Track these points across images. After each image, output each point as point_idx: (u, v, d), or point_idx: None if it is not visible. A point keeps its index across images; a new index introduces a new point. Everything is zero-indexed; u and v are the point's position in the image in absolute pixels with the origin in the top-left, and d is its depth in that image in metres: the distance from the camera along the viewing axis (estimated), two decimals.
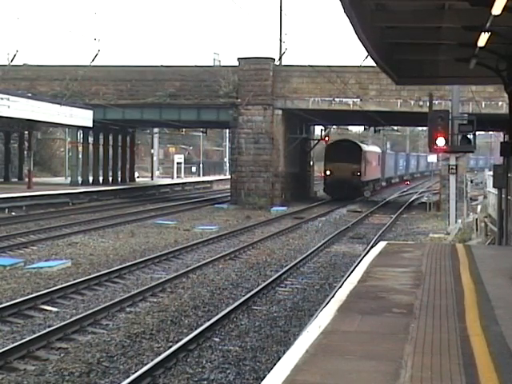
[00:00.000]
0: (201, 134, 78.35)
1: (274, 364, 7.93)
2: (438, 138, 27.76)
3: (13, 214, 35.65)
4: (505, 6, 11.74)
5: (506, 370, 7.18)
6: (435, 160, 59.29)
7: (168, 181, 69.86)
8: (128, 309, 15.71)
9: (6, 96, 38.85)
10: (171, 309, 15.69)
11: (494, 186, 24.27)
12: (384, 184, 74.58)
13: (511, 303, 10.61)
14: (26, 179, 48.06)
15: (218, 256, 23.18)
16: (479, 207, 32.44)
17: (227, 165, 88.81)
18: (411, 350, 7.83)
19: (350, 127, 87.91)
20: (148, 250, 24.63)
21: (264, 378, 7.24)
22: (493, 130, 77.05)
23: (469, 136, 29.73)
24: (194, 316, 15.16)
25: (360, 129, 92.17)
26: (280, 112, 47.20)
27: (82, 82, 47.04)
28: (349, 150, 54.79)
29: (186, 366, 11.67)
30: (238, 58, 47.63)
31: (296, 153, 52.38)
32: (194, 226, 33.23)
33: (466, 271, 13.51)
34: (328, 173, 54.77)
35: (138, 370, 11.02)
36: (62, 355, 12.05)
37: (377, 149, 69.84)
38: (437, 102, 38.82)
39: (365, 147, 59.23)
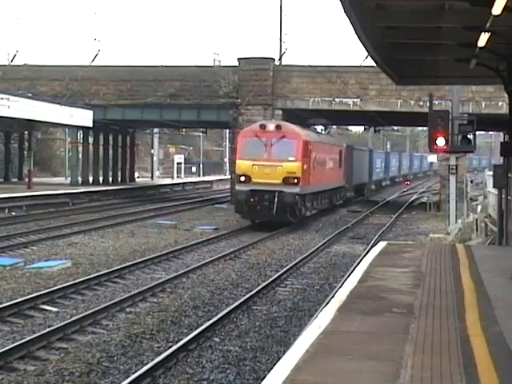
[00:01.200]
0: (201, 134, 78.34)
1: (274, 364, 7.93)
2: (438, 138, 27.76)
3: (13, 213, 35.63)
4: (505, 5, 11.74)
5: (506, 370, 7.18)
6: (435, 160, 57.79)
7: (168, 181, 69.84)
8: (128, 309, 15.71)
9: (6, 96, 38.83)
10: (171, 309, 15.69)
11: (494, 186, 24.28)
12: (351, 194, 51.49)
13: (511, 303, 10.62)
14: (26, 179, 48.04)
15: (218, 256, 23.18)
16: (479, 207, 32.45)
17: (227, 165, 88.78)
18: (411, 350, 7.83)
19: (350, 127, 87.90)
20: (148, 250, 24.62)
21: (264, 378, 7.24)
22: (493, 130, 77.12)
23: (469, 136, 29.73)
24: (194, 316, 15.16)
25: (360, 129, 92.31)
26: (280, 112, 47.16)
27: (81, 82, 47.04)
28: (280, 140, 32.60)
29: (186, 366, 11.67)
30: (238, 58, 47.62)
31: None
32: (194, 225, 33.22)
33: (466, 271, 13.51)
34: (242, 178, 32.39)
35: (138, 370, 11.02)
36: (62, 355, 12.05)
37: (337, 141, 46.63)
38: (437, 102, 38.79)
39: (311, 136, 36.19)
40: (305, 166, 33.11)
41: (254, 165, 32.32)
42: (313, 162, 34.87)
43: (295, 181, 32.24)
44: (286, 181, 32.07)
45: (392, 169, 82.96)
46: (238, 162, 33.47)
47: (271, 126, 32.96)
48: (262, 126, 32.96)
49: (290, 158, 32.39)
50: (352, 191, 51.63)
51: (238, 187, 32.88)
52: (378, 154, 72.78)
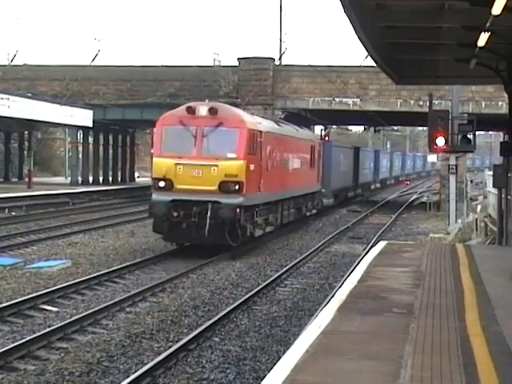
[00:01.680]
0: None
1: (274, 364, 7.93)
2: (438, 138, 27.78)
3: (13, 213, 35.62)
4: (505, 5, 11.76)
5: (506, 370, 7.18)
6: (435, 160, 57.11)
7: None
8: (128, 309, 15.71)
9: (6, 96, 38.86)
10: (171, 309, 15.69)
11: (494, 186, 24.30)
12: (330, 201, 43.94)
13: (511, 303, 10.62)
14: (26, 179, 48.07)
15: (219, 256, 23.15)
16: (479, 207, 32.47)
17: None
18: (411, 350, 7.83)
19: (350, 127, 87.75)
20: (148, 249, 24.62)
21: (264, 377, 7.24)
22: (493, 130, 77.17)
23: (469, 136, 29.75)
24: (194, 316, 15.17)
25: (360, 129, 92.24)
26: (280, 112, 47.20)
27: (81, 82, 47.03)
28: (216, 129, 23.51)
29: (186, 366, 11.67)
30: (238, 58, 47.66)
31: None
32: None
33: (466, 271, 13.52)
34: (161, 184, 23.44)
35: (137, 370, 11.03)
36: (62, 355, 12.06)
37: (308, 135, 36.47)
38: (437, 101, 38.82)
39: (263, 124, 26.46)
40: (252, 166, 23.96)
41: (177, 164, 23.17)
42: (266, 161, 25.78)
43: (236, 187, 22.96)
44: (224, 187, 22.91)
45: (382, 170, 73.69)
46: (155, 160, 24.10)
47: (203, 110, 23.64)
48: (191, 110, 23.64)
49: (230, 155, 23.26)
50: (331, 197, 43.90)
51: (155, 196, 23.48)
52: (366, 153, 63.59)
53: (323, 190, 39.35)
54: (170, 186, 23.19)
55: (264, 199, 25.75)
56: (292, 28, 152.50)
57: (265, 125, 26.62)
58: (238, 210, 22.88)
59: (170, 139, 23.64)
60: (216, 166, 23.01)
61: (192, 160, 23.17)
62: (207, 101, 25.91)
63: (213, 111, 23.56)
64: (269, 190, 26.06)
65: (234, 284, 18.98)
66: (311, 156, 35.16)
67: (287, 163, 29.92)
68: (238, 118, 24.13)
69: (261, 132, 25.19)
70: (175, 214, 22.88)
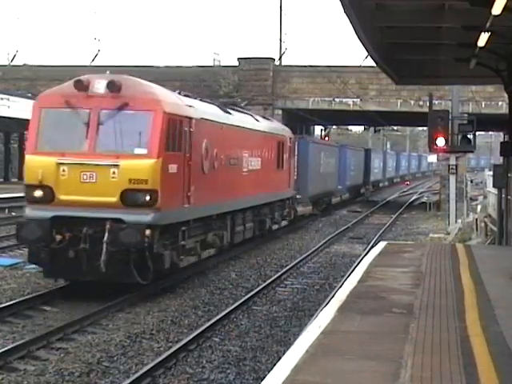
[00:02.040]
0: None
1: (274, 364, 7.93)
2: (438, 138, 27.79)
3: (13, 214, 35.58)
4: (505, 5, 11.75)
5: (506, 370, 7.18)
6: (435, 160, 56.41)
7: None
8: (128, 309, 15.69)
9: (6, 96, 38.89)
10: (171, 309, 15.69)
11: (494, 186, 24.30)
12: (307, 208, 36.40)
13: (511, 303, 10.62)
14: None
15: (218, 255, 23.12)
16: (479, 207, 32.48)
17: None
18: (411, 350, 7.83)
19: (350, 127, 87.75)
20: None
21: (264, 377, 7.24)
22: (493, 130, 77.18)
23: (469, 136, 29.76)
24: (193, 316, 15.16)
25: (360, 129, 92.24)
26: (280, 112, 47.16)
27: None
28: (118, 112, 16.12)
29: (186, 366, 11.67)
30: (238, 58, 47.63)
31: None
32: None
33: (466, 271, 13.52)
34: (37, 193, 16.00)
35: (138, 371, 11.03)
36: (61, 355, 12.05)
37: (273, 127, 28.98)
38: (437, 101, 38.77)
39: (197, 109, 18.72)
40: (172, 167, 16.72)
41: (60, 165, 16.05)
42: (200, 160, 18.58)
43: (147, 198, 15.83)
44: (129, 198, 15.83)
45: (374, 171, 65.47)
46: (27, 158, 16.69)
47: (100, 85, 16.54)
48: (81, 85, 16.52)
49: (138, 151, 16.10)
50: (309, 204, 36.69)
51: (28, 211, 16.62)
52: (354, 153, 55.72)
53: (298, 197, 33.15)
54: (49, 197, 16.09)
55: (196, 213, 18.40)
56: (292, 28, 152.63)
57: (199, 109, 19.01)
58: (148, 232, 15.59)
59: (50, 128, 16.50)
60: (117, 166, 15.84)
61: (82, 158, 16.02)
62: (108, 72, 18.00)
63: (114, 87, 16.34)
64: (205, 200, 18.90)
65: (234, 284, 18.97)
66: (279, 154, 28.13)
67: (239, 163, 22.78)
68: (151, 97, 16.50)
69: (190, 119, 17.84)
70: (58, 237, 15.86)
